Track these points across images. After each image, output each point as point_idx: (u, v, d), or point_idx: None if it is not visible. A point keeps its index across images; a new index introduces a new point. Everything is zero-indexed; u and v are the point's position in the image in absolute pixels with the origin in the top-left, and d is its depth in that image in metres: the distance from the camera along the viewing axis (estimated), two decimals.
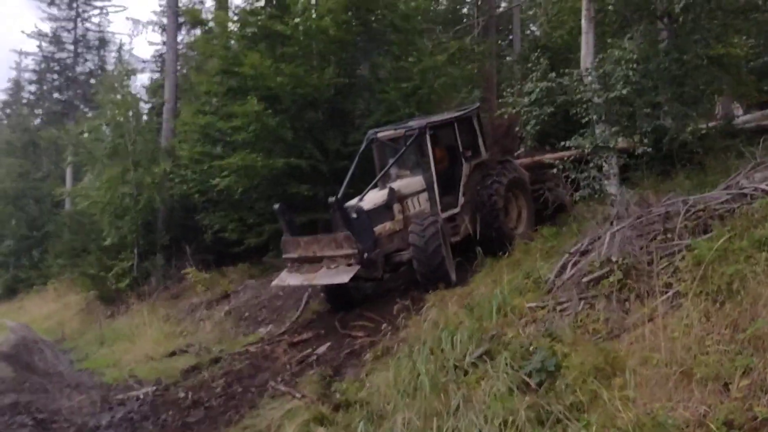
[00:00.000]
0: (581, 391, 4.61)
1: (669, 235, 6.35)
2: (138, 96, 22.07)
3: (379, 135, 11.64)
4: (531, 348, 5.54)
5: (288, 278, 10.00)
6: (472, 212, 11.10)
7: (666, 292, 5.63)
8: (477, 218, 10.89)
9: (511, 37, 26.52)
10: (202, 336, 12.10)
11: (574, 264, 6.93)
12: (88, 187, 18.65)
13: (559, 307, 6.29)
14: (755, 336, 4.15)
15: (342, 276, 9.28)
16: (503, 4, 27.01)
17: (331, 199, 9.64)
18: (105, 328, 15.50)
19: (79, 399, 9.00)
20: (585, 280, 6.35)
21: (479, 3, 30.69)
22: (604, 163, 8.49)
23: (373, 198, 10.31)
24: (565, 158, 8.72)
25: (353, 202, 10.15)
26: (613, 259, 6.26)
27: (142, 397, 8.66)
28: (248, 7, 16.11)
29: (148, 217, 17.95)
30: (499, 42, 27.30)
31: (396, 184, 10.71)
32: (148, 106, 25.87)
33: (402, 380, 5.82)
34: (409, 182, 10.95)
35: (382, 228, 9.99)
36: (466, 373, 5.69)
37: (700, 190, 7.78)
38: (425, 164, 11.04)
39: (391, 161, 11.34)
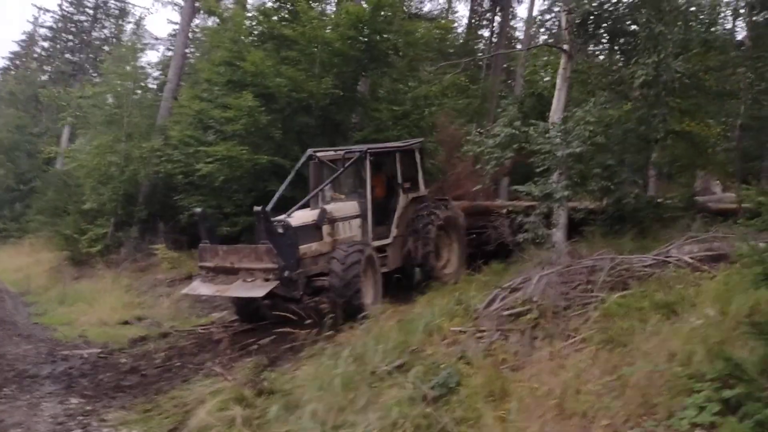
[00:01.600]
0: (470, 409, 5.13)
1: (590, 287, 6.92)
2: (145, 71, 22.58)
3: (319, 154, 11.49)
4: (441, 366, 6.06)
5: (200, 287, 9.61)
6: (402, 245, 11.05)
7: (573, 336, 6.18)
8: (407, 251, 10.88)
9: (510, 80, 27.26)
10: (158, 311, 12.51)
11: (503, 298, 7.47)
12: (78, 150, 19.00)
13: (478, 334, 6.81)
14: (622, 382, 4.67)
15: (257, 290, 8.96)
16: (518, 46, 27.86)
17: (257, 209, 9.22)
18: (68, 289, 15.82)
19: (26, 348, 9.41)
20: (505, 313, 6.89)
21: (493, 41, 31.71)
22: (555, 212, 9.04)
23: (302, 216, 10.00)
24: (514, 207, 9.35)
25: (281, 217, 9.71)
26: (534, 299, 6.81)
27: (86, 356, 9.05)
28: (262, 7, 16.67)
29: (131, 189, 18.31)
30: (509, 81, 28.07)
31: (329, 206, 10.47)
32: (153, 82, 26.39)
33: (320, 376, 6.28)
34: (342, 206, 10.72)
35: (308, 248, 9.64)
36: (381, 379, 6.17)
37: (639, 252, 8.37)
38: (362, 190, 10.88)
39: (326, 181, 11.09)
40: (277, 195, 10.56)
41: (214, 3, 18.04)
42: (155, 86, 23.48)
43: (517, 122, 8.78)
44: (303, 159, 11.48)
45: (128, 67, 19.61)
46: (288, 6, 16.27)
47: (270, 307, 10.11)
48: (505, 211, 9.80)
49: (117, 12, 47.73)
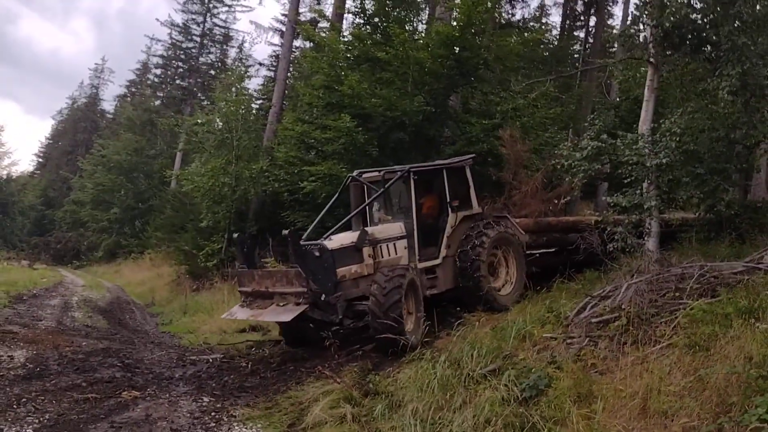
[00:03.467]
0: (557, 409, 5.57)
1: (678, 294, 7.13)
2: (250, 95, 24.11)
3: (362, 176, 11.19)
4: (532, 370, 6.52)
5: (238, 312, 9.55)
6: (453, 266, 10.61)
7: (660, 342, 6.46)
8: (457, 272, 10.51)
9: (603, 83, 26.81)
10: None
11: (593, 306, 7.79)
12: (194, 173, 20.62)
13: (568, 340, 7.20)
14: (702, 383, 4.99)
15: (286, 315, 8.82)
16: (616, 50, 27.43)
17: (285, 232, 9.17)
18: (189, 300, 17.30)
19: (159, 354, 10.57)
20: (594, 321, 7.23)
21: (589, 43, 31.31)
22: (647, 221, 9.22)
23: (341, 238, 9.71)
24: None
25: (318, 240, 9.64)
26: (622, 306, 7.12)
27: (210, 361, 10.10)
28: (356, 32, 17.59)
29: (242, 207, 19.78)
30: (606, 81, 27.63)
31: (372, 228, 10.20)
32: (257, 106, 28.05)
33: (419, 379, 6.89)
34: (387, 227, 10.36)
35: (347, 270, 9.28)
36: (477, 382, 6.70)
37: (734, 259, 8.43)
38: (406, 210, 10.57)
39: (364, 203, 10.83)
40: (318, 218, 10.64)
41: (311, 30, 19.18)
42: (261, 110, 24.93)
43: (604, 135, 9.05)
44: (345, 182, 11.32)
45: (235, 94, 21.15)
46: (380, 30, 17.06)
47: (314, 331, 10.11)
48: (593, 222, 9.98)
49: (221, 38, 50.91)
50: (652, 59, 9.28)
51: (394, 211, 11.17)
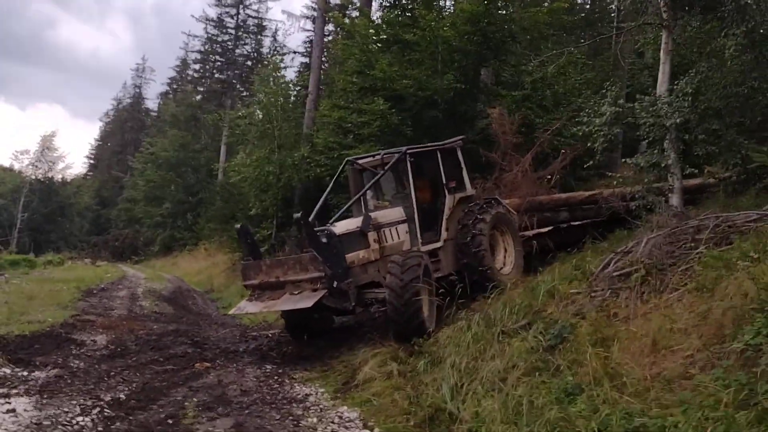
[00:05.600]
0: (579, 352, 6.22)
1: (693, 244, 7.64)
2: (287, 84, 24.94)
3: (358, 161, 11.06)
4: (558, 321, 7.17)
5: (247, 306, 9.07)
6: (454, 248, 10.46)
7: (677, 289, 7.01)
8: (460, 257, 10.34)
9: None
10: None
11: (616, 261, 8.34)
12: (240, 164, 21.62)
13: (592, 294, 7.80)
14: (702, 319, 5.58)
15: (306, 301, 8.38)
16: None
17: (296, 215, 8.77)
18: None
19: (223, 332, 11.57)
20: (616, 274, 7.80)
21: (622, 9, 30.94)
22: (670, 178, 9.66)
23: (346, 224, 9.55)
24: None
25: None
26: (641, 259, 7.67)
27: (270, 335, 11.05)
28: (385, 17, 18.18)
29: (287, 194, 20.70)
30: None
31: (374, 213, 9.92)
32: (294, 92, 28.92)
33: (456, 337, 7.63)
34: (388, 212, 10.11)
35: (356, 256, 9.08)
36: (509, 336, 7.39)
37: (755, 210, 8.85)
38: (405, 194, 10.34)
39: (369, 184, 10.66)
40: (319, 203, 10.28)
41: (341, 18, 19.84)
42: (298, 99, 25.74)
43: (621, 100, 9.48)
44: (342, 166, 11.14)
45: (273, 85, 22.01)
46: (407, 12, 17.61)
47: (320, 321, 10.07)
48: (615, 182, 10.37)
49: (255, 29, 51.95)
50: (665, 23, 9.64)
51: (389, 197, 10.98)
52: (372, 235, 9.41)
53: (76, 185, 72.46)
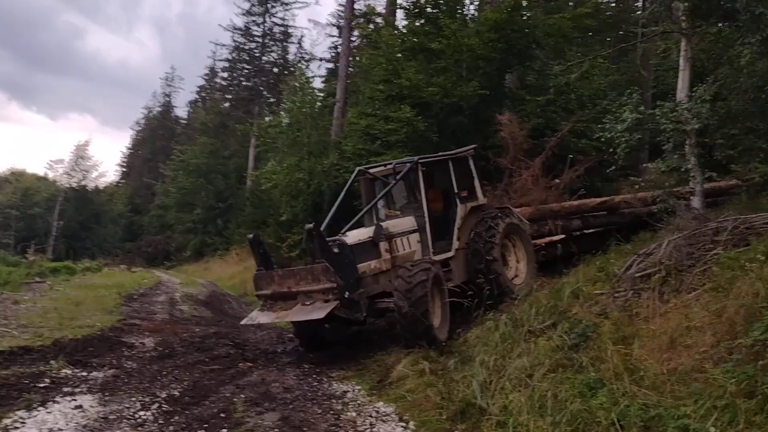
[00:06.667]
0: (601, 350, 6.60)
1: (712, 246, 7.96)
2: (315, 93, 25.52)
3: (370, 171, 11.05)
4: (582, 321, 7.55)
5: (259, 317, 9.11)
6: (466, 257, 10.44)
7: (695, 289, 7.35)
8: (472, 266, 10.33)
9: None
10: None
11: (639, 263, 8.68)
12: (271, 171, 22.24)
13: (615, 294, 8.15)
14: (717, 317, 5.93)
15: (317, 312, 8.36)
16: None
17: (308, 226, 8.76)
18: None
19: (261, 335, 12.10)
20: (638, 275, 8.15)
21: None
22: (692, 182, 9.97)
23: (357, 234, 9.50)
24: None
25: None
26: (662, 261, 8.01)
27: None
28: (410, 26, 18.64)
29: (317, 200, 21.25)
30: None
31: (386, 223, 9.91)
32: (321, 98, 29.49)
33: (485, 337, 8.05)
34: (399, 222, 10.11)
35: (367, 266, 9.07)
36: (536, 335, 7.78)
37: None
38: (417, 203, 10.29)
39: (380, 195, 10.60)
40: (330, 214, 10.24)
41: (367, 28, 20.35)
42: (326, 107, 26.30)
43: (642, 107, 9.81)
44: (353, 176, 11.05)
45: (301, 94, 22.62)
46: (431, 21, 18.03)
47: (331, 331, 10.09)
48: (636, 186, 10.67)
49: (281, 36, 52.82)
50: (684, 31, 9.96)
51: (400, 207, 10.97)
52: (383, 245, 9.43)
53: (109, 193, 74.22)
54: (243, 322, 9.71)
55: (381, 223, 9.74)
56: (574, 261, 10.71)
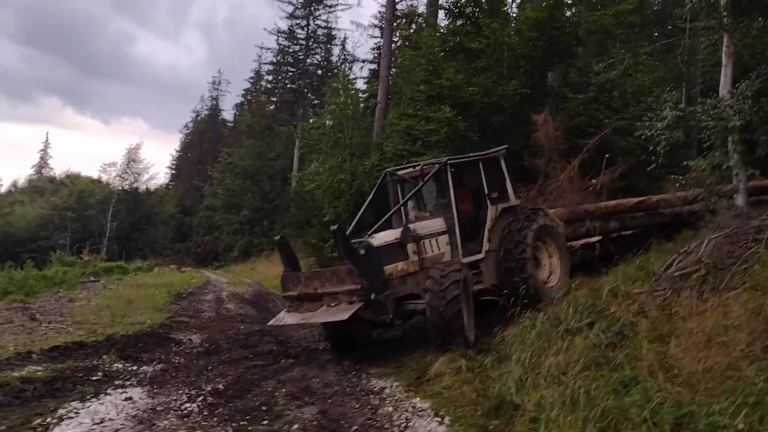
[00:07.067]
0: (638, 348, 6.61)
1: (754, 244, 7.85)
2: (357, 93, 25.77)
3: (398, 172, 11.00)
4: (621, 319, 7.55)
5: (286, 318, 9.13)
6: (497, 259, 10.32)
7: (735, 288, 7.28)
8: (503, 268, 10.20)
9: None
10: None
11: (679, 261, 8.62)
12: (314, 173, 22.58)
13: (654, 293, 8.12)
14: (755, 316, 5.89)
15: (341, 314, 8.33)
16: None
17: (333, 228, 8.75)
18: None
19: (303, 332, 12.37)
20: (677, 274, 8.09)
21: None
22: (734, 179, 9.82)
23: (384, 235, 9.48)
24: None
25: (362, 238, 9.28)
26: (702, 259, 7.94)
27: None
28: (451, 26, 18.71)
29: (359, 200, 21.41)
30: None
31: (413, 224, 9.85)
32: (363, 98, 29.75)
33: (522, 335, 8.11)
34: (428, 223, 10.04)
35: (394, 268, 9.08)
36: (573, 334, 7.81)
37: None
38: (446, 205, 10.23)
39: (408, 196, 10.58)
40: (358, 216, 10.28)
41: (408, 30, 20.49)
42: (368, 108, 26.53)
43: (682, 104, 9.70)
44: (381, 178, 11.06)
45: (343, 96, 22.88)
46: (472, 21, 18.08)
47: (361, 333, 10.05)
48: (677, 185, 10.50)
49: (325, 39, 53.46)
50: (726, 26, 9.82)
51: (430, 208, 10.92)
52: (411, 247, 9.39)
53: (159, 195, 76.25)
54: (270, 323, 9.72)
55: (409, 225, 9.72)
56: (614, 261, 10.64)
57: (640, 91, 18.08)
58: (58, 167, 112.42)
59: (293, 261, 9.62)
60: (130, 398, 6.66)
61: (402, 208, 10.54)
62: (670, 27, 26.28)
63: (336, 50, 54.05)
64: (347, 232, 9.15)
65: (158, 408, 6.36)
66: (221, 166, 55.08)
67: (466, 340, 8.66)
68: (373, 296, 8.42)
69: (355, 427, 5.94)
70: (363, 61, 40.47)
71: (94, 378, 7.51)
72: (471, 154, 11.06)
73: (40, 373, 7.41)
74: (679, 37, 14.97)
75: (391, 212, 10.40)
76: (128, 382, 7.41)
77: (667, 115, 9.61)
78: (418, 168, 10.65)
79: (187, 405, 6.51)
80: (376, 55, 39.21)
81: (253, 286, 25.80)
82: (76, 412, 6.08)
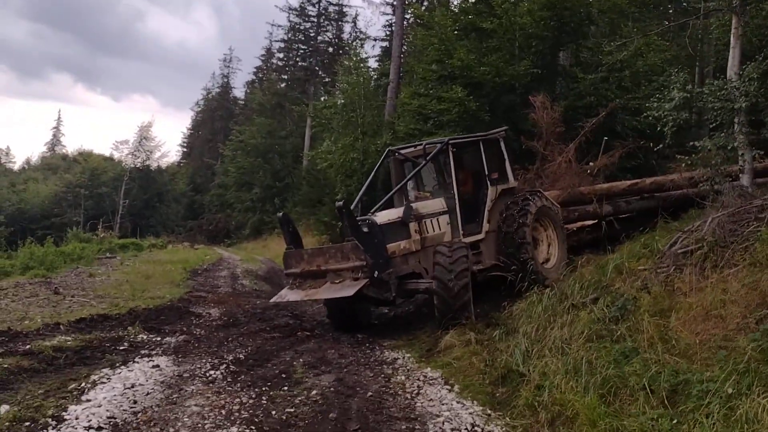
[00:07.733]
0: (639, 322, 6.91)
1: (756, 223, 8.09)
2: (368, 71, 25.88)
3: (400, 152, 11.08)
4: (624, 295, 7.84)
5: (288, 294, 9.16)
6: (496, 240, 10.43)
7: (736, 265, 7.54)
8: (502, 248, 10.31)
9: None
10: None
11: (683, 240, 8.87)
12: (326, 151, 22.86)
13: (658, 270, 8.39)
14: (751, 290, 6.17)
15: (347, 290, 8.38)
16: None
17: (338, 203, 8.77)
18: None
19: (318, 307, 12.71)
20: (680, 251, 8.35)
21: None
22: (740, 160, 10.01)
23: (387, 214, 9.53)
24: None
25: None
26: (705, 237, 8.19)
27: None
28: (462, 6, 18.80)
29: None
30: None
31: (415, 203, 9.89)
32: (375, 76, 29.85)
33: (529, 310, 8.43)
34: (429, 203, 10.08)
35: (397, 246, 9.13)
36: (578, 309, 8.11)
37: None
38: (447, 185, 10.30)
39: (410, 176, 10.63)
40: (360, 194, 10.40)
41: (420, 10, 20.58)
42: (379, 87, 26.66)
43: (689, 86, 9.87)
44: (383, 156, 11.11)
45: (355, 75, 23.08)
46: (484, 0, 18.16)
47: (363, 311, 10.13)
48: (683, 165, 10.64)
49: (336, 16, 53.38)
50: (734, 8, 9.95)
51: (430, 189, 10.99)
52: (413, 226, 9.43)
53: (171, 173, 76.61)
54: (273, 300, 9.79)
55: (411, 204, 9.76)
56: (621, 239, 10.88)
57: (651, 70, 18.13)
58: (70, 144, 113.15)
59: (296, 238, 9.64)
60: (157, 366, 7.05)
61: (403, 187, 10.64)
62: (684, 6, 26.30)
63: (347, 27, 53.96)
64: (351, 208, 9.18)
65: (184, 375, 6.75)
66: (232, 144, 55.32)
67: (471, 314, 8.94)
68: (376, 273, 8.47)
69: (369, 393, 6.31)
70: (375, 39, 40.46)
71: (121, 348, 7.92)
72: (471, 135, 11.16)
73: (69, 342, 7.84)
74: (691, 17, 14.94)
75: (393, 191, 10.49)
76: (154, 352, 7.82)
77: (674, 96, 9.79)
78: (420, 147, 10.69)
79: (211, 372, 6.90)
80: (387, 33, 39.25)
81: (266, 263, 26.24)
82: (107, 378, 6.48)
